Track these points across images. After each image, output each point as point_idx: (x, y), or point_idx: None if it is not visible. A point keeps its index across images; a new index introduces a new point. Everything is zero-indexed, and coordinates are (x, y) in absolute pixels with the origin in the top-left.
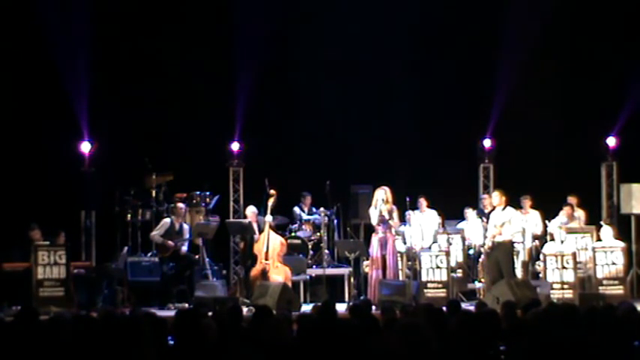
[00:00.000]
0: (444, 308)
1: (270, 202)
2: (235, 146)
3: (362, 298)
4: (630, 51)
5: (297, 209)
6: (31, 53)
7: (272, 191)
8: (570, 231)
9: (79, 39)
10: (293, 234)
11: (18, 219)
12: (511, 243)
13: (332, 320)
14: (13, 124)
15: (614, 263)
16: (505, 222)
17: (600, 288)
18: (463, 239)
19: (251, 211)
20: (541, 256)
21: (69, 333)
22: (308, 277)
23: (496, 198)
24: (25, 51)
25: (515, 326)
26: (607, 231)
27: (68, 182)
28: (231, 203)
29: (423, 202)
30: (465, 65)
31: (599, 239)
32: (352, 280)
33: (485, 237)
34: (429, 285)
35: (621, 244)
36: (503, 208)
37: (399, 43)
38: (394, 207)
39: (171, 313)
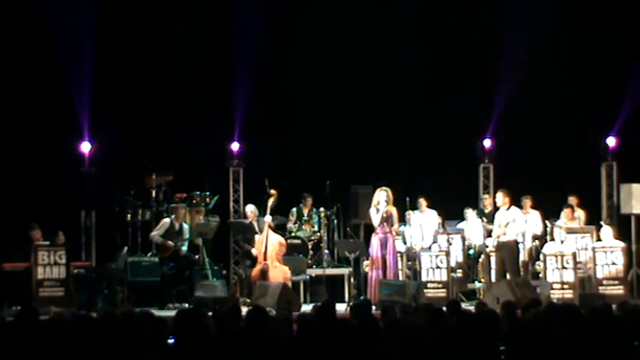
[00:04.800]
0: (444, 308)
1: (270, 202)
2: (235, 146)
3: (362, 298)
4: (630, 50)
5: (294, 210)
6: (33, 53)
7: (272, 191)
8: (570, 231)
9: (81, 39)
10: (293, 234)
11: (18, 219)
12: (515, 243)
13: (332, 320)
14: (14, 123)
15: (614, 263)
16: (509, 222)
17: (600, 288)
18: (463, 239)
19: (250, 210)
20: (541, 256)
21: (69, 333)
22: (308, 277)
23: (500, 198)
24: (27, 50)
25: (515, 326)
26: (607, 231)
27: (68, 182)
28: (231, 203)
29: (423, 202)
30: (464, 65)
31: (599, 239)
32: (352, 280)
33: (485, 237)
34: (429, 285)
35: (621, 244)
36: (508, 208)
37: (399, 43)
38: (394, 209)
39: (172, 313)
